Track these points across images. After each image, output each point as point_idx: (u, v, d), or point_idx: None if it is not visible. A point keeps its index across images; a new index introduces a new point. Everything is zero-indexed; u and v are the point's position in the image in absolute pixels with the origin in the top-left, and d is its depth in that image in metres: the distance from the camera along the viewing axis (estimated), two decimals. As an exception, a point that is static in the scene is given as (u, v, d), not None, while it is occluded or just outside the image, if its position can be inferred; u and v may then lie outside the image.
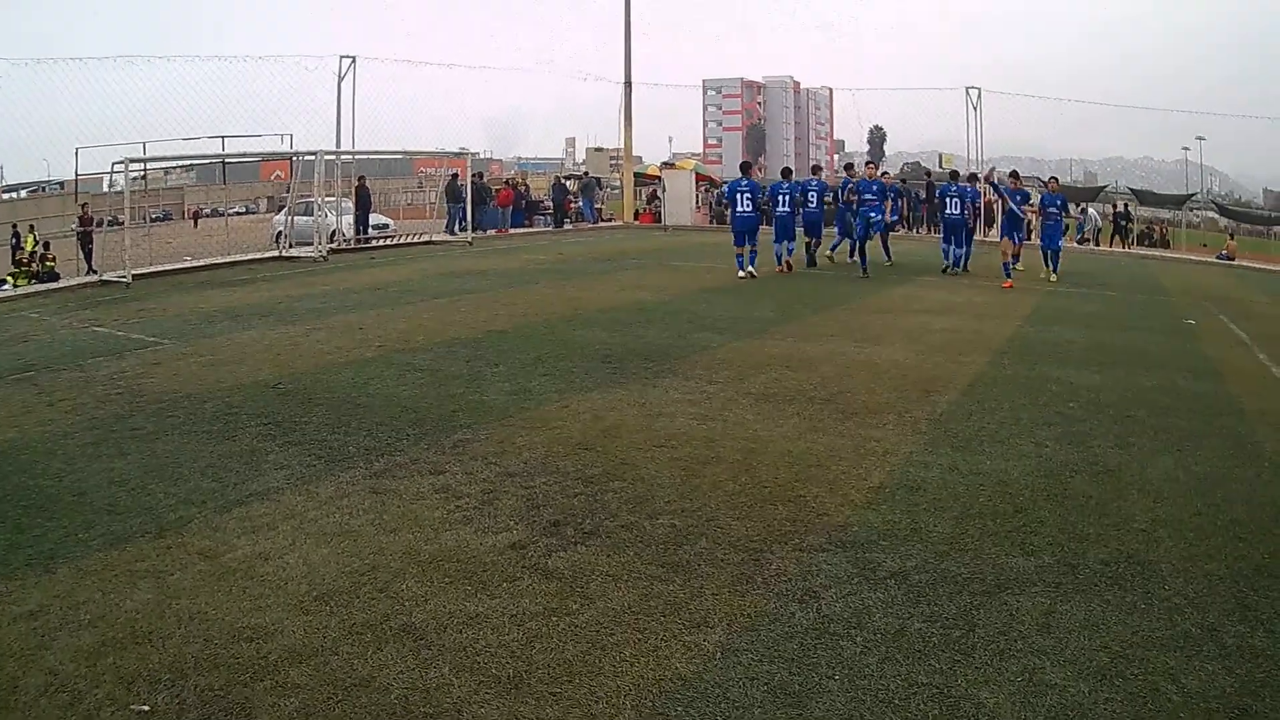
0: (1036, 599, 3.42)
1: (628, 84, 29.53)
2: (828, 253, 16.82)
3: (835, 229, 17.35)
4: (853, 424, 5.83)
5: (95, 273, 16.43)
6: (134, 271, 14.76)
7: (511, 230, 25.15)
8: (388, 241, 21.12)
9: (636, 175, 32.05)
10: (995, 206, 19.42)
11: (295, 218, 19.73)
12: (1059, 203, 15.85)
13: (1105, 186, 38.98)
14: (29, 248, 20.03)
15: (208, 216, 33.10)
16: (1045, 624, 3.23)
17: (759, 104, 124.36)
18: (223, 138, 18.42)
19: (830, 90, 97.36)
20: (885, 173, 21.04)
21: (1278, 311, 13.64)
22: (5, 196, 37.98)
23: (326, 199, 19.06)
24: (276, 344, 8.57)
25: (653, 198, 31.51)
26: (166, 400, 6.44)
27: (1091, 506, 4.44)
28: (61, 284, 15.83)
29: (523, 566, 3.66)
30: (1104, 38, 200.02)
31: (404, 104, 25.44)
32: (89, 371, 7.55)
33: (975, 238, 17.29)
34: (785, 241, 15.26)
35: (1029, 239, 17.02)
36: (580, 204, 28.93)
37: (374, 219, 23.65)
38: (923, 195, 26.41)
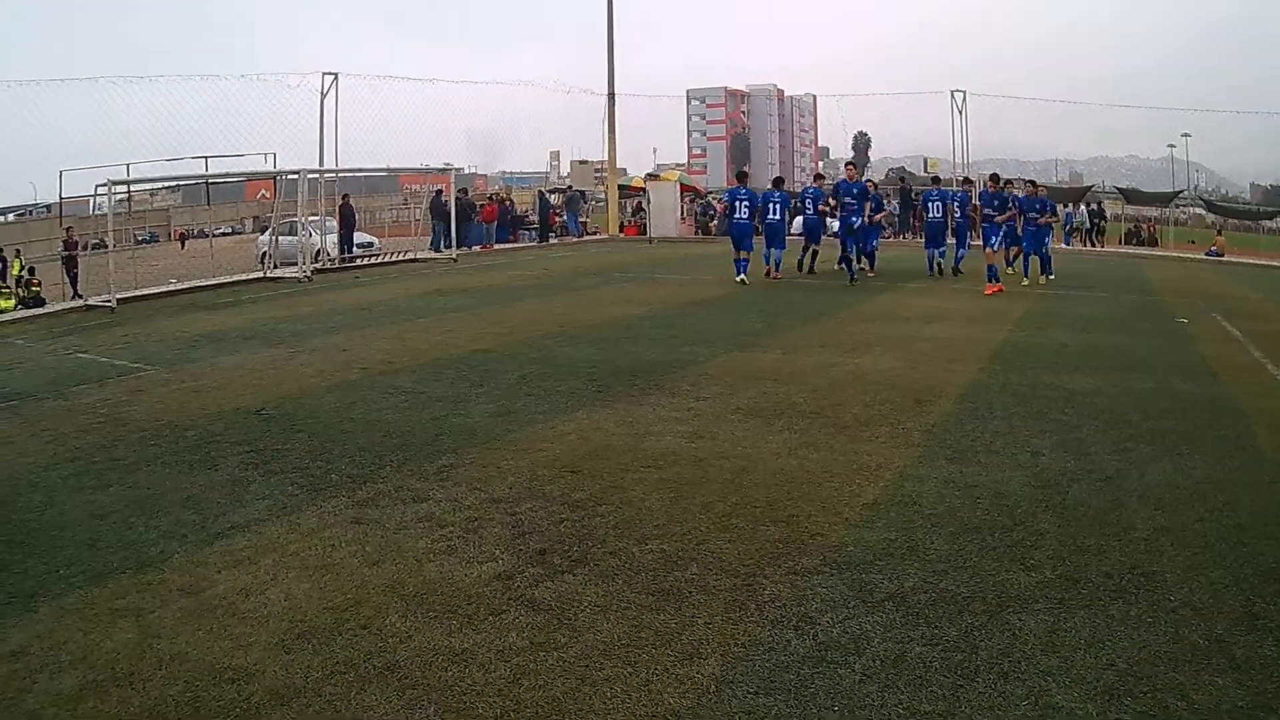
0: (1039, 617, 3.33)
1: (611, 96, 29.58)
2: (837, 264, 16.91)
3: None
4: (844, 438, 5.74)
5: (80, 297, 16.27)
6: (119, 295, 14.59)
7: (496, 246, 25.06)
8: (372, 260, 21.00)
9: (621, 187, 32.03)
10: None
11: (280, 237, 19.59)
12: (1038, 206, 15.74)
13: (1091, 187, 39.21)
14: (15, 272, 19.86)
15: (195, 238, 32.94)
16: (1049, 643, 3.14)
17: (743, 113, 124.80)
18: (206, 158, 18.28)
19: (814, 97, 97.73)
20: (870, 180, 21.06)
21: (1270, 308, 13.64)
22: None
23: (310, 218, 18.93)
24: (260, 368, 8.45)
25: (638, 210, 31.50)
26: (149, 429, 6.33)
27: (1091, 516, 4.36)
28: (47, 309, 15.67)
29: (509, 598, 3.55)
30: (1085, 35, 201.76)
31: (387, 120, 25.36)
32: (72, 400, 7.44)
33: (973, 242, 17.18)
34: (775, 249, 15.43)
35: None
36: (565, 218, 28.88)
37: (359, 237, 23.54)
38: (897, 201, 26.63)
